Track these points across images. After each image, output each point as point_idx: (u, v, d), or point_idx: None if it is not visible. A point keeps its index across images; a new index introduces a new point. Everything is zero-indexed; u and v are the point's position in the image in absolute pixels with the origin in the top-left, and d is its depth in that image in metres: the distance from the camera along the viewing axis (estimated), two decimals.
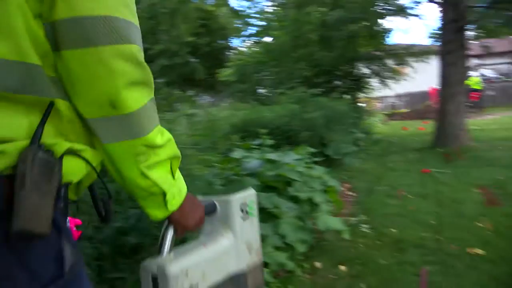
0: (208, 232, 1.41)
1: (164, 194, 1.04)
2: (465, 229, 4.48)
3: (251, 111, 8.06)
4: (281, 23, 15.17)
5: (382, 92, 15.52)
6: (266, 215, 3.88)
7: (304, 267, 3.91)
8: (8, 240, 0.77)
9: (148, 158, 0.98)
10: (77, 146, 0.90)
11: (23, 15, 0.79)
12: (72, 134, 0.91)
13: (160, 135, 1.01)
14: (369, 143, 11.37)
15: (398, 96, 25.42)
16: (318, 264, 3.95)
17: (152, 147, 0.98)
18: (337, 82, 14.28)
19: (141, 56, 0.91)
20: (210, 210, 1.38)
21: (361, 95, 14.86)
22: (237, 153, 4.94)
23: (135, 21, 0.91)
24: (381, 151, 10.70)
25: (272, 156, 4.51)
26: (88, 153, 0.93)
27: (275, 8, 16.86)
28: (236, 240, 1.40)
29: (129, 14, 0.88)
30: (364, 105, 16.34)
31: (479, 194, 5.85)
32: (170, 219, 1.15)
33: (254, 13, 16.76)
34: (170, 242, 1.20)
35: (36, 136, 0.81)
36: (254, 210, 1.48)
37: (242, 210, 1.42)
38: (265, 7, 17.08)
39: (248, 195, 1.47)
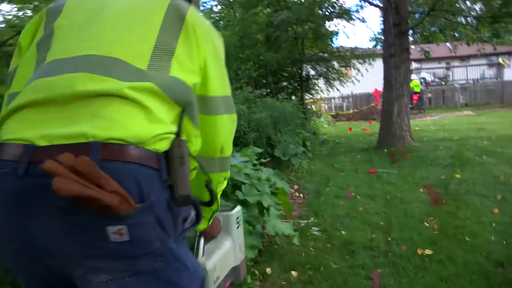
0: (216, 238, 1.81)
1: (214, 212, 1.48)
2: (414, 229, 4.49)
3: None
4: (228, 23, 15.01)
5: (328, 93, 15.69)
6: None
7: (255, 273, 3.74)
8: (170, 202, 1.09)
9: (221, 186, 1.42)
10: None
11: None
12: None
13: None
14: (317, 144, 11.42)
15: (344, 97, 25.93)
16: (268, 270, 3.80)
17: (226, 178, 1.45)
18: (284, 83, 14.28)
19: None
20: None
21: (308, 96, 14.94)
22: None
23: None
24: (328, 152, 10.77)
25: None
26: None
27: (222, 7, 16.69)
28: (233, 243, 1.92)
29: (230, 91, 1.37)
30: (311, 106, 16.48)
31: (425, 193, 5.94)
32: (204, 231, 1.61)
33: (202, 11, 16.46)
34: (202, 247, 1.64)
35: (179, 134, 1.15)
36: (241, 221, 2.07)
37: (236, 222, 1.98)
38: (213, 6, 16.84)
39: (239, 210, 2.07)
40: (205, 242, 1.66)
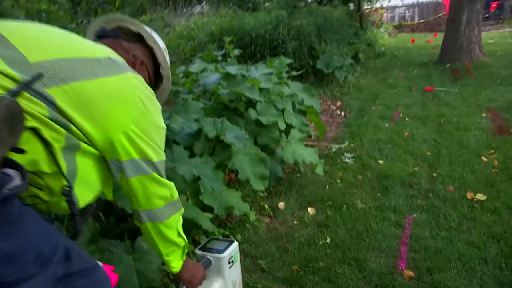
0: (205, 280, 1.79)
1: (185, 247, 1.52)
2: (467, 164, 3.67)
3: (230, 19, 6.97)
4: None
5: (391, 1, 14.01)
6: (220, 146, 3.08)
7: (264, 208, 3.18)
8: None
9: (179, 222, 1.48)
10: None
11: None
12: None
13: None
14: (371, 56, 10.29)
15: (408, 6, 23.56)
16: (281, 205, 3.22)
17: (181, 214, 1.49)
18: None
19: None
20: (207, 264, 1.89)
21: (367, 4, 13.41)
22: (195, 66, 4.03)
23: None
24: (382, 65, 9.66)
25: (232, 69, 3.60)
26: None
27: None
28: (226, 282, 1.93)
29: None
30: (369, 15, 14.90)
31: (488, 119, 4.98)
32: (184, 281, 1.64)
33: None
34: None
35: None
36: (237, 257, 2.01)
37: (229, 262, 1.94)
38: None
39: (233, 249, 1.98)
40: None
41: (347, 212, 3.00)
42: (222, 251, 1.96)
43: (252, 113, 3.36)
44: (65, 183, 1.11)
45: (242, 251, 2.63)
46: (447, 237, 2.58)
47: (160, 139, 1.35)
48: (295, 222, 2.99)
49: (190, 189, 2.73)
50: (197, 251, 2.00)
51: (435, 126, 4.90)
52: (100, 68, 1.20)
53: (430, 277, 2.23)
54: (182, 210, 1.50)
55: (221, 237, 2.14)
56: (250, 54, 6.74)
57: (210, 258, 1.93)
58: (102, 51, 1.28)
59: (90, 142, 1.19)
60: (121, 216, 2.53)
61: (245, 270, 2.44)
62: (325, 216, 2.98)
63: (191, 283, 1.67)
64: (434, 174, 3.55)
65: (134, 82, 1.28)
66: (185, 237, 1.52)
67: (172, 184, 1.43)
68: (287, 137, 3.61)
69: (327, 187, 3.48)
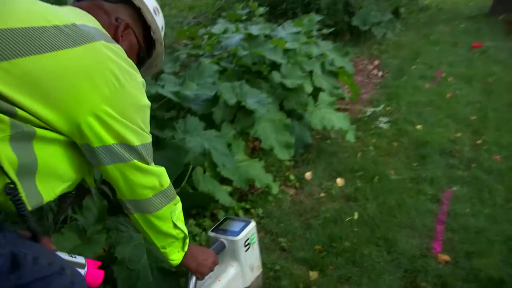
0: (220, 264, 1.69)
1: (184, 238, 1.39)
2: None
3: None
4: None
5: None
6: (242, 112, 2.86)
7: (289, 179, 2.97)
8: None
9: (175, 211, 1.33)
10: None
11: None
12: None
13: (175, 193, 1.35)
14: (413, 11, 9.60)
15: None
16: (308, 175, 3.00)
17: (176, 203, 1.34)
18: None
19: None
20: (221, 248, 1.77)
21: None
22: (218, 27, 3.77)
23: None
24: (426, 20, 8.98)
25: (255, 29, 3.32)
26: None
27: None
28: (241, 266, 1.82)
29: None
30: None
31: None
32: (191, 271, 1.54)
33: None
34: (193, 285, 1.58)
35: None
36: (254, 238, 1.87)
37: (245, 245, 1.81)
38: None
39: (250, 230, 1.84)
40: (199, 279, 1.58)
41: (379, 184, 2.74)
42: (237, 233, 1.81)
43: (275, 76, 3.10)
44: (8, 180, 0.93)
45: (262, 227, 2.45)
46: (491, 215, 2.29)
47: (142, 119, 1.16)
48: (322, 194, 2.77)
49: (208, 161, 2.54)
50: (210, 233, 1.84)
51: (482, 86, 4.47)
52: (58, 39, 1.00)
53: (468, 262, 1.98)
54: (177, 199, 1.34)
55: (236, 217, 1.96)
56: (281, 13, 6.37)
57: (224, 241, 1.79)
58: (65, 17, 1.06)
59: (51, 127, 1.00)
60: None
61: (264, 249, 2.26)
62: (355, 188, 2.74)
63: (198, 272, 1.54)
64: (479, 141, 3.20)
65: (105, 53, 1.07)
66: (184, 228, 1.38)
67: (160, 170, 1.25)
68: (316, 101, 3.34)
69: (359, 155, 3.21)
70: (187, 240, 1.41)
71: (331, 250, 2.16)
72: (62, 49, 0.99)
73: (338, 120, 3.20)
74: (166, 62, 3.06)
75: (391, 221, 2.33)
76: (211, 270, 1.59)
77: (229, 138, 2.85)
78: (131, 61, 1.15)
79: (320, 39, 4.09)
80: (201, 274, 1.56)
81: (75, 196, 1.28)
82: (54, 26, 1.01)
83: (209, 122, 2.84)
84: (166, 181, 1.28)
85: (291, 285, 1.94)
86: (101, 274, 1.34)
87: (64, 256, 1.26)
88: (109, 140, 1.08)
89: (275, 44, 3.20)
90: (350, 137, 3.17)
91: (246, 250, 1.83)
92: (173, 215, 1.32)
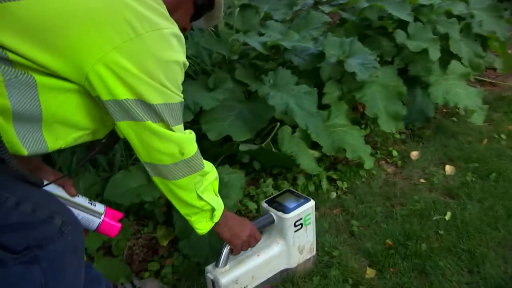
0: (265, 238, 1.67)
1: (213, 210, 1.30)
2: None
3: None
4: None
5: None
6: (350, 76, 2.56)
7: (392, 155, 2.63)
8: None
9: (202, 183, 1.24)
10: None
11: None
12: None
13: (206, 164, 1.25)
14: None
15: None
16: (414, 154, 2.62)
17: (204, 174, 1.24)
18: None
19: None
20: (268, 222, 1.64)
21: None
22: None
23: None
24: None
25: None
26: None
27: None
28: (289, 246, 1.68)
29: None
30: None
31: None
32: (226, 241, 1.47)
33: None
34: (224, 257, 1.52)
35: None
36: (310, 219, 1.70)
37: (295, 225, 1.65)
38: None
39: (305, 210, 1.67)
40: (233, 253, 1.53)
41: (494, 184, 2.26)
42: (289, 210, 1.66)
43: (398, 36, 2.69)
44: None
45: (340, 203, 2.24)
46: None
47: (167, 75, 1.03)
48: (421, 180, 2.41)
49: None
50: (263, 204, 1.72)
51: None
52: None
53: None
54: (206, 169, 1.24)
55: (298, 192, 1.78)
56: None
57: (273, 215, 1.66)
58: None
59: (59, 75, 0.95)
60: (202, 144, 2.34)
61: (332, 228, 2.07)
62: (462, 182, 2.31)
63: (232, 243, 1.47)
64: None
65: None
66: (213, 200, 1.30)
67: (183, 137, 1.15)
68: (444, 73, 2.83)
69: (485, 141, 2.69)
70: (217, 212, 1.32)
71: (402, 249, 1.86)
72: None
73: (467, 97, 2.69)
74: (280, 8, 2.85)
75: (489, 233, 1.90)
76: (248, 243, 1.51)
77: (332, 98, 2.61)
78: (162, 9, 1.03)
79: None
80: (234, 246, 1.48)
81: (104, 145, 1.23)
82: None
83: (314, 78, 2.62)
84: (190, 150, 1.17)
85: (339, 278, 1.73)
86: (117, 227, 1.32)
87: (83, 202, 1.26)
88: (122, 94, 0.99)
89: None
90: (477, 119, 2.65)
91: (296, 231, 1.68)
92: (198, 186, 1.23)
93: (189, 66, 2.41)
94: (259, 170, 2.44)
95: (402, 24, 2.74)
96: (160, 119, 1.06)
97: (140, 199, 1.95)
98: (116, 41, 0.94)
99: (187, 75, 2.44)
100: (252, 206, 2.23)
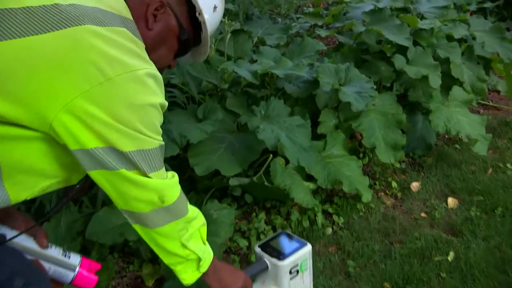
0: (259, 285, 1.53)
1: (199, 259, 1.17)
2: None
3: None
4: None
5: None
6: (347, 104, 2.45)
7: (392, 186, 2.51)
8: None
9: (187, 230, 1.12)
10: None
11: None
12: None
13: (192, 210, 1.14)
14: None
15: None
16: (415, 186, 2.50)
17: (189, 221, 1.12)
18: None
19: None
20: (262, 269, 1.51)
21: None
22: None
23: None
24: None
25: (384, 1, 2.78)
26: None
27: None
28: None
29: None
30: None
31: None
32: None
33: None
34: None
35: None
36: (307, 265, 1.57)
37: (291, 272, 1.52)
38: None
39: (301, 256, 1.53)
40: None
41: (500, 220, 2.13)
42: (284, 256, 1.52)
43: (397, 61, 2.59)
44: None
45: (336, 241, 2.12)
46: None
47: (142, 120, 0.94)
48: (422, 214, 2.28)
49: None
50: (256, 249, 1.60)
51: None
52: (28, 23, 0.85)
53: None
54: (190, 215, 1.12)
55: (294, 235, 1.65)
56: None
57: (267, 262, 1.53)
58: None
59: (19, 124, 0.87)
60: (192, 175, 2.22)
61: (327, 268, 1.94)
62: (465, 217, 2.18)
63: None
64: None
65: (86, 40, 0.88)
66: (199, 249, 1.17)
67: (164, 183, 1.03)
68: (447, 95, 2.72)
69: (489, 171, 2.57)
70: (205, 262, 1.20)
71: None
72: (32, 35, 0.85)
73: (469, 125, 2.57)
74: (274, 32, 2.76)
75: (496, 277, 1.77)
76: None
77: (327, 127, 2.50)
78: (137, 48, 0.95)
79: (477, 16, 3.31)
80: None
81: (78, 190, 1.12)
82: (25, 8, 0.86)
83: (309, 106, 2.52)
84: (171, 196, 1.05)
85: None
86: (94, 280, 1.22)
87: (56, 254, 1.16)
88: (90, 143, 0.90)
89: (406, 21, 2.64)
90: (480, 149, 2.52)
91: (292, 278, 1.54)
92: (182, 234, 1.11)
93: (176, 96, 2.34)
94: (251, 203, 2.32)
95: (402, 48, 2.64)
96: (134, 166, 0.96)
97: (124, 238, 1.84)
98: (83, 86, 0.86)
99: (175, 104, 2.37)
100: (243, 243, 2.11)
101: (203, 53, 1.24)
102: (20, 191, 0.95)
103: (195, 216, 1.15)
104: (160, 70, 1.01)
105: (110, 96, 0.88)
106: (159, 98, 0.97)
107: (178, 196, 1.07)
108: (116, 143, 0.91)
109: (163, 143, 1.01)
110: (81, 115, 0.86)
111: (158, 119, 0.99)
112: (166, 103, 1.00)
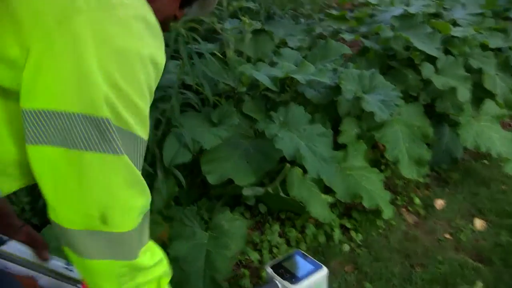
0: None
1: None
2: None
3: None
4: None
5: None
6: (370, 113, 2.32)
7: (414, 202, 2.36)
8: None
9: (133, 279, 0.81)
10: None
11: None
12: None
13: (150, 255, 0.83)
14: None
15: None
16: (440, 204, 2.35)
17: (139, 269, 0.81)
18: None
19: None
20: None
21: None
22: None
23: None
24: None
25: (415, 5, 2.63)
26: None
27: None
28: None
29: None
30: None
31: None
32: None
33: None
34: None
35: None
36: None
37: None
38: None
39: (316, 280, 1.33)
40: None
41: None
42: (297, 280, 1.38)
43: (425, 69, 2.43)
44: None
45: (353, 259, 1.99)
46: None
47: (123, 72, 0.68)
48: (447, 235, 2.13)
49: None
50: (268, 269, 1.45)
51: None
52: None
53: None
54: (142, 262, 0.80)
55: (309, 256, 1.52)
56: None
57: (279, 284, 1.37)
58: None
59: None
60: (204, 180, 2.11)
61: (344, 287, 1.81)
62: (494, 242, 2.03)
63: None
64: None
65: None
66: None
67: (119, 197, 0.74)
68: (478, 109, 2.56)
69: None
70: None
71: None
72: None
73: (500, 142, 2.41)
74: (296, 33, 2.62)
75: None
76: None
77: (349, 137, 2.37)
78: None
79: None
80: None
81: None
82: None
83: (330, 113, 2.38)
84: (122, 220, 0.75)
85: None
86: None
87: (58, 267, 1.07)
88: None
89: (437, 27, 2.48)
90: (510, 169, 2.35)
91: None
92: (122, 281, 0.80)
93: (189, 98, 2.20)
94: (265, 213, 2.20)
95: (431, 56, 2.49)
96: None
97: None
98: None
99: (189, 105, 2.25)
100: (255, 256, 1.99)
101: (211, 4, 1.00)
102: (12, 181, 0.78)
103: (152, 265, 0.84)
104: (166, 23, 0.81)
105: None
106: (149, 47, 0.71)
107: (134, 228, 0.76)
108: None
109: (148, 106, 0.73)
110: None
111: (146, 75, 0.71)
112: (163, 58, 0.75)
